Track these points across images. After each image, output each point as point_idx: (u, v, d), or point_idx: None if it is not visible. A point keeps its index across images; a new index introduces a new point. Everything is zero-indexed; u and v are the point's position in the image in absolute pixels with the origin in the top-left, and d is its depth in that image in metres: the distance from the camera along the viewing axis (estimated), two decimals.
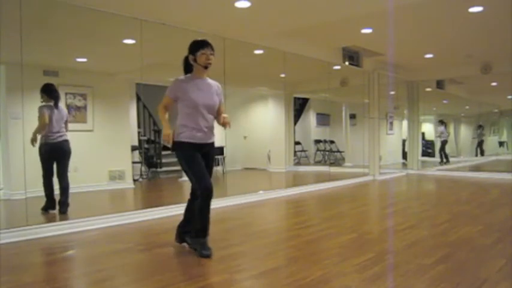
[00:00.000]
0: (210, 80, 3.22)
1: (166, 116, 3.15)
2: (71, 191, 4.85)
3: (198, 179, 3.07)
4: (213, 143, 3.24)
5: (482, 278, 2.55)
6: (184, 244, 3.37)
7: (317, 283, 2.49)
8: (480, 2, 4.89)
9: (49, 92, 4.79)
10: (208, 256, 3.03)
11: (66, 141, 4.82)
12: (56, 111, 4.75)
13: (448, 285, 2.43)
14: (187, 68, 3.22)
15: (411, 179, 8.96)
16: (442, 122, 11.70)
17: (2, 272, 2.84)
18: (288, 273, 2.71)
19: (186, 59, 3.21)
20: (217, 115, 3.25)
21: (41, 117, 4.64)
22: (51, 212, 4.73)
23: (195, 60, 3.11)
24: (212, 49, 3.10)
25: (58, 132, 4.73)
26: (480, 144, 12.52)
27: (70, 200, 4.81)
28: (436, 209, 5.20)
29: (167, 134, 3.03)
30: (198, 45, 3.09)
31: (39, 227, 3.88)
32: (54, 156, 4.74)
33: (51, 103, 4.75)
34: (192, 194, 3.25)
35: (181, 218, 3.40)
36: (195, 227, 3.17)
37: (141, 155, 8.38)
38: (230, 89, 7.14)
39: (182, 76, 3.19)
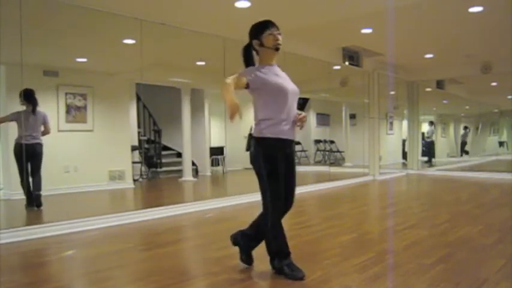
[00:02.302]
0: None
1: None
2: (71, 191, 4.86)
3: (276, 196, 2.51)
4: (294, 142, 2.67)
5: (482, 278, 2.54)
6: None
7: (317, 283, 2.49)
8: (480, 2, 4.89)
9: (27, 98, 4.95)
10: (301, 278, 2.50)
11: (39, 144, 5.03)
12: (31, 116, 4.96)
13: (448, 285, 2.43)
14: (249, 59, 2.70)
15: (411, 179, 8.96)
16: (431, 123, 11.77)
17: (2, 272, 2.84)
18: None
19: (247, 50, 2.71)
20: None
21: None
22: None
23: (261, 45, 2.61)
24: (278, 28, 2.61)
25: (31, 135, 4.95)
26: (463, 145, 12.64)
27: (70, 200, 4.82)
28: (436, 209, 5.20)
29: (235, 104, 2.37)
30: (262, 26, 2.61)
31: (39, 227, 3.88)
32: (26, 156, 4.91)
33: (30, 109, 4.95)
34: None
35: (181, 218, 3.39)
36: (271, 249, 2.62)
37: (141, 155, 8.38)
38: None
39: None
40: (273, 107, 2.53)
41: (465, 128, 12.74)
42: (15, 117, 4.92)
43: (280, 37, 2.60)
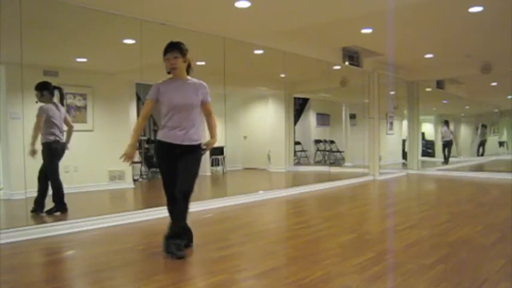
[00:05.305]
0: (192, 80, 3.19)
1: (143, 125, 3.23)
2: (71, 191, 4.86)
3: (163, 184, 3.21)
4: (194, 146, 3.14)
5: (482, 278, 2.55)
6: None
7: (317, 283, 2.49)
8: (480, 2, 4.89)
9: (49, 89, 4.67)
10: (182, 256, 3.02)
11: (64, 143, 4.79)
12: (60, 107, 4.70)
13: (448, 285, 2.43)
14: None
15: (411, 179, 8.96)
16: (445, 122, 11.71)
17: (2, 272, 2.84)
18: (288, 273, 2.71)
19: None
20: (206, 115, 3.30)
21: (38, 121, 4.46)
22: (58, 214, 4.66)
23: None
24: (180, 51, 3.10)
25: (62, 132, 4.70)
26: (482, 144, 12.47)
27: (70, 200, 4.83)
28: (436, 209, 5.20)
29: (129, 153, 3.09)
30: (164, 51, 3.13)
31: (39, 227, 3.88)
32: (61, 155, 4.70)
33: (52, 100, 4.67)
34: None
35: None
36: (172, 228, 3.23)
37: (141, 155, 8.38)
38: (230, 89, 7.12)
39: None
40: (165, 117, 3.09)
41: (483, 125, 12.51)
42: (45, 111, 4.45)
43: (174, 61, 3.07)
